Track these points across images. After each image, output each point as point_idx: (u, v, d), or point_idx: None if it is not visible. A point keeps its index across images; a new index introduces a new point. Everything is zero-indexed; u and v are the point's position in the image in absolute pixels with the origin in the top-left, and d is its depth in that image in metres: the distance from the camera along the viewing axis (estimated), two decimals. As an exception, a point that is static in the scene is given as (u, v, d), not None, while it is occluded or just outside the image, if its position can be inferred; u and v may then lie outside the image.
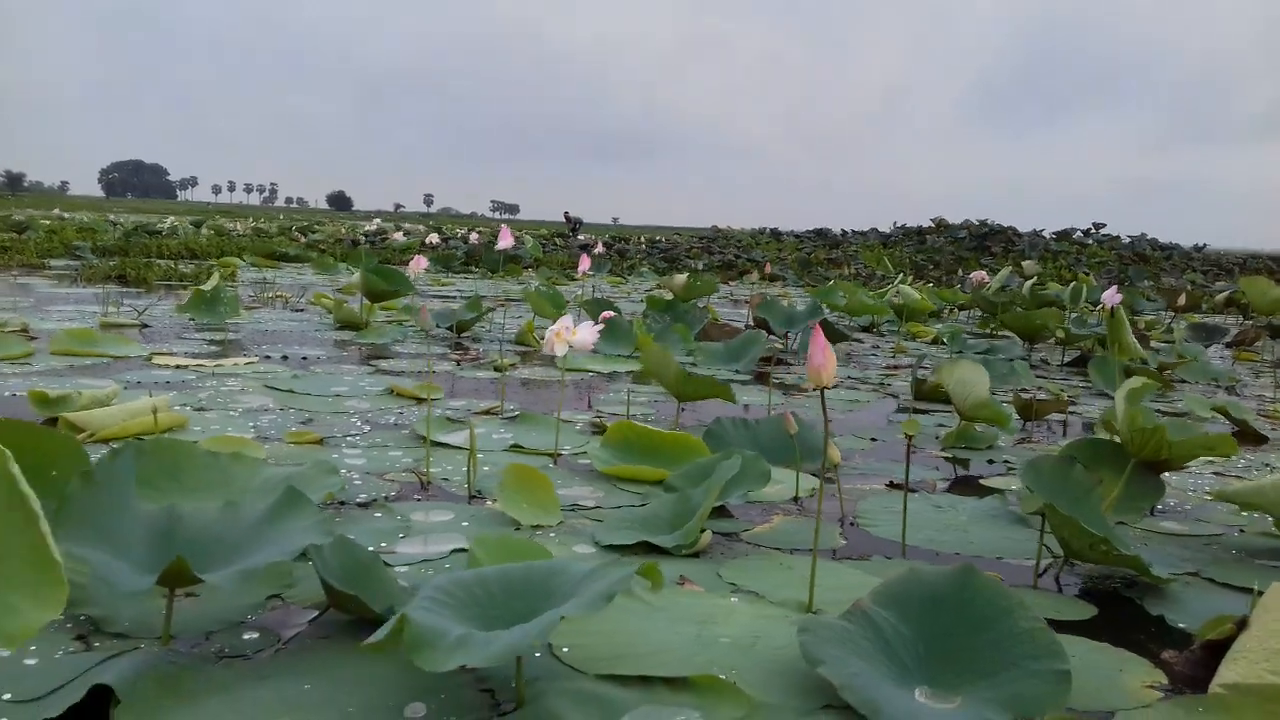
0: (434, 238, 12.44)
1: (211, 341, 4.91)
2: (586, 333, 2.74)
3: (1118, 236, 18.72)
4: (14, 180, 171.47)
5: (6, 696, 1.31)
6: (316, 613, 1.64)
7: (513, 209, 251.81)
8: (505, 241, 6.37)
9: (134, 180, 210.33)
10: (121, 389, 3.25)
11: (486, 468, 2.63)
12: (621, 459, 2.66)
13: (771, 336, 5.79)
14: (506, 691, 1.37)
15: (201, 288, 5.50)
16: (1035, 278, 9.67)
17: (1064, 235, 18.60)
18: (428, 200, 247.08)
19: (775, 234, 23.63)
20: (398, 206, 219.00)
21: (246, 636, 1.54)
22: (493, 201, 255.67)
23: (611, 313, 5.30)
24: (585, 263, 6.25)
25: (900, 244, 18.28)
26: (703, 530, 2.05)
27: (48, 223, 16.19)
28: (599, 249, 13.89)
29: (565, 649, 1.51)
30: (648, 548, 2.03)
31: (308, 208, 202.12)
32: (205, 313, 5.49)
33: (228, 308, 5.56)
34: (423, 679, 1.37)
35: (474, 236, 14.14)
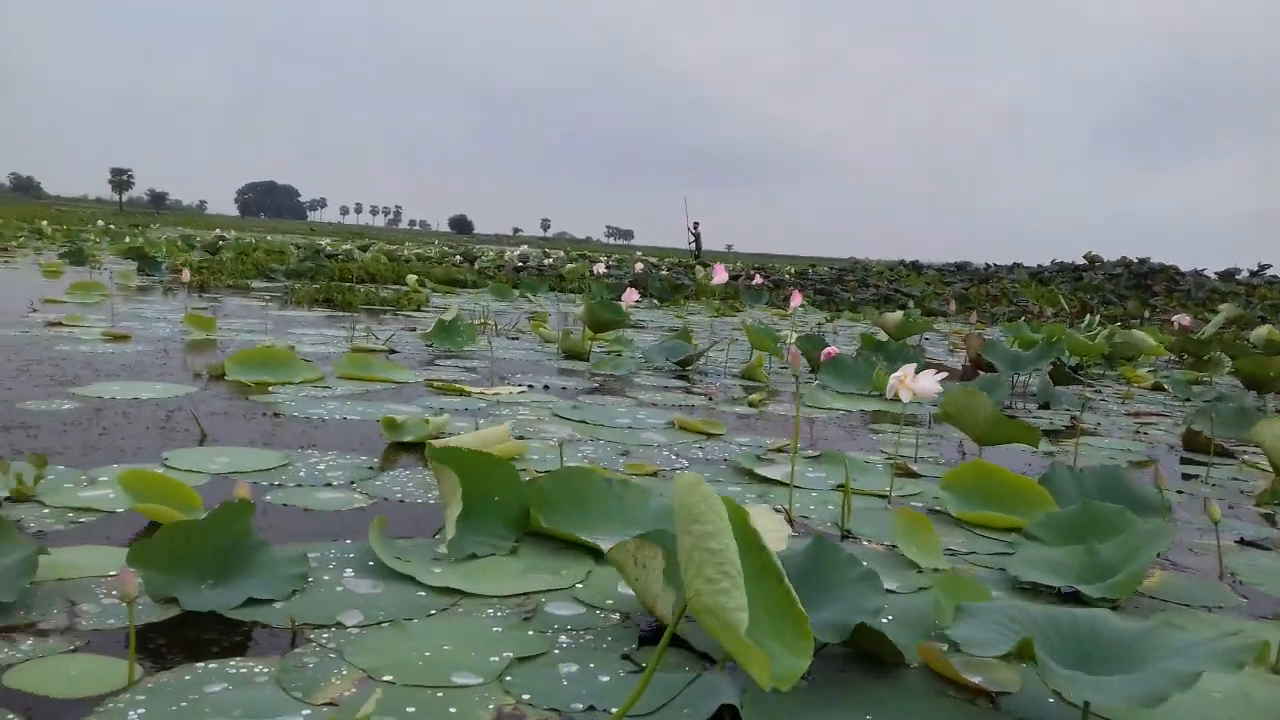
0: (600, 267, 12.74)
1: (464, 369, 5.15)
2: (927, 382, 2.83)
3: (1288, 278, 17.95)
4: (157, 199, 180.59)
5: (614, 710, 1.45)
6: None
7: (627, 234, 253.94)
8: (720, 276, 6.52)
9: (267, 201, 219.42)
10: (450, 416, 3.45)
11: (831, 507, 2.74)
12: (969, 504, 2.73)
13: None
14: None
15: (442, 317, 5.78)
16: (1237, 321, 9.37)
17: (1228, 275, 17.94)
18: (544, 225, 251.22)
19: (915, 266, 23.32)
20: (516, 230, 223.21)
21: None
22: (608, 227, 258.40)
23: (835, 349, 5.37)
24: (796, 299, 6.35)
25: (1054, 280, 17.86)
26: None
27: (195, 239, 17.05)
28: (722, 275, 13.97)
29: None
30: (1065, 594, 2.10)
31: (430, 230, 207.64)
32: (445, 340, 5.76)
33: (464, 336, 5.83)
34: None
35: (600, 268, 14.33)
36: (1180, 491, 3.34)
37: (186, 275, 7.23)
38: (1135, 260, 18.04)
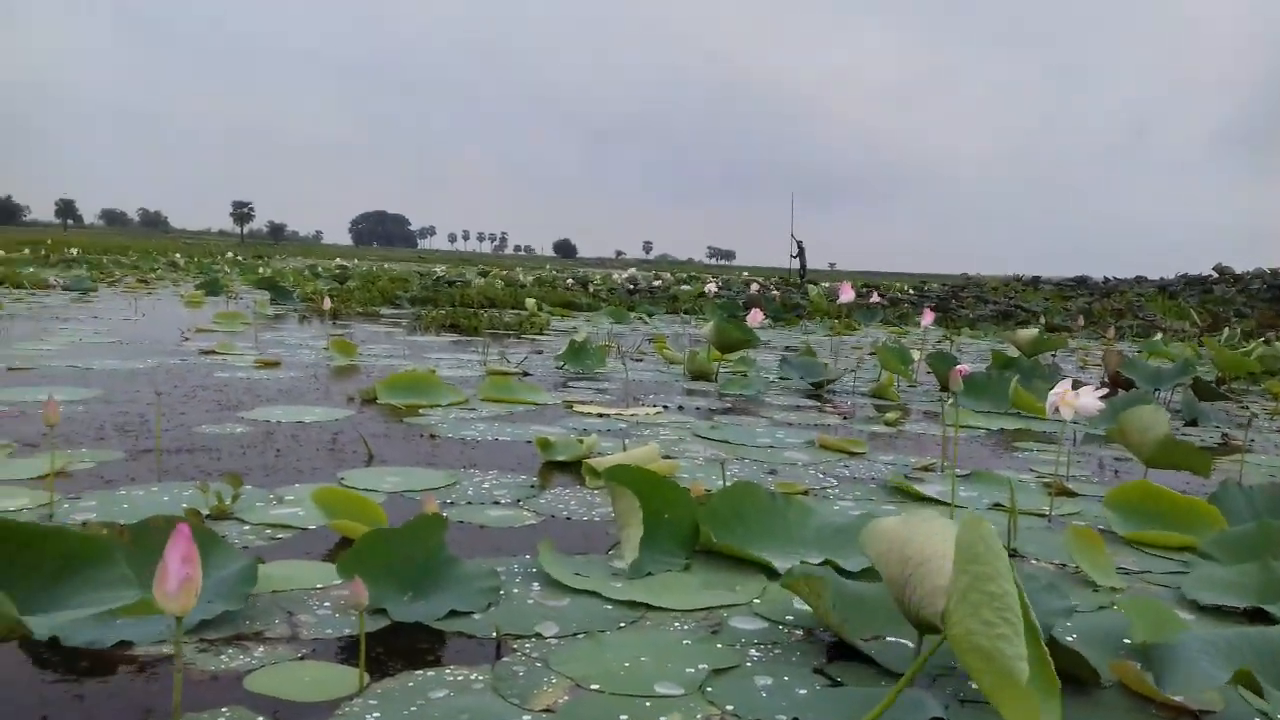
0: (712, 287, 12.81)
1: (597, 390, 5.25)
2: (1088, 399, 2.79)
3: None
4: (276, 230, 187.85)
5: (818, 723, 1.48)
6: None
7: (729, 255, 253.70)
8: (847, 295, 6.51)
9: (379, 229, 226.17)
10: (597, 436, 3.54)
11: (992, 526, 2.72)
12: (1135, 523, 2.68)
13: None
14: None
15: (575, 339, 5.90)
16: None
17: (1372, 286, 17.02)
18: (646, 247, 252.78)
19: (1033, 281, 22.74)
20: (618, 253, 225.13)
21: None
22: (709, 247, 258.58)
23: (966, 367, 5.30)
24: (928, 317, 6.29)
25: (1182, 293, 17.23)
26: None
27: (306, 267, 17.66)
28: (849, 294, 13.85)
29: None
30: (1248, 614, 2.05)
31: (534, 255, 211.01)
32: (576, 362, 5.88)
33: (594, 358, 5.94)
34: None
35: (712, 288, 14.36)
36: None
37: (328, 304, 7.54)
38: (1268, 271, 17.27)
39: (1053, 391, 2.82)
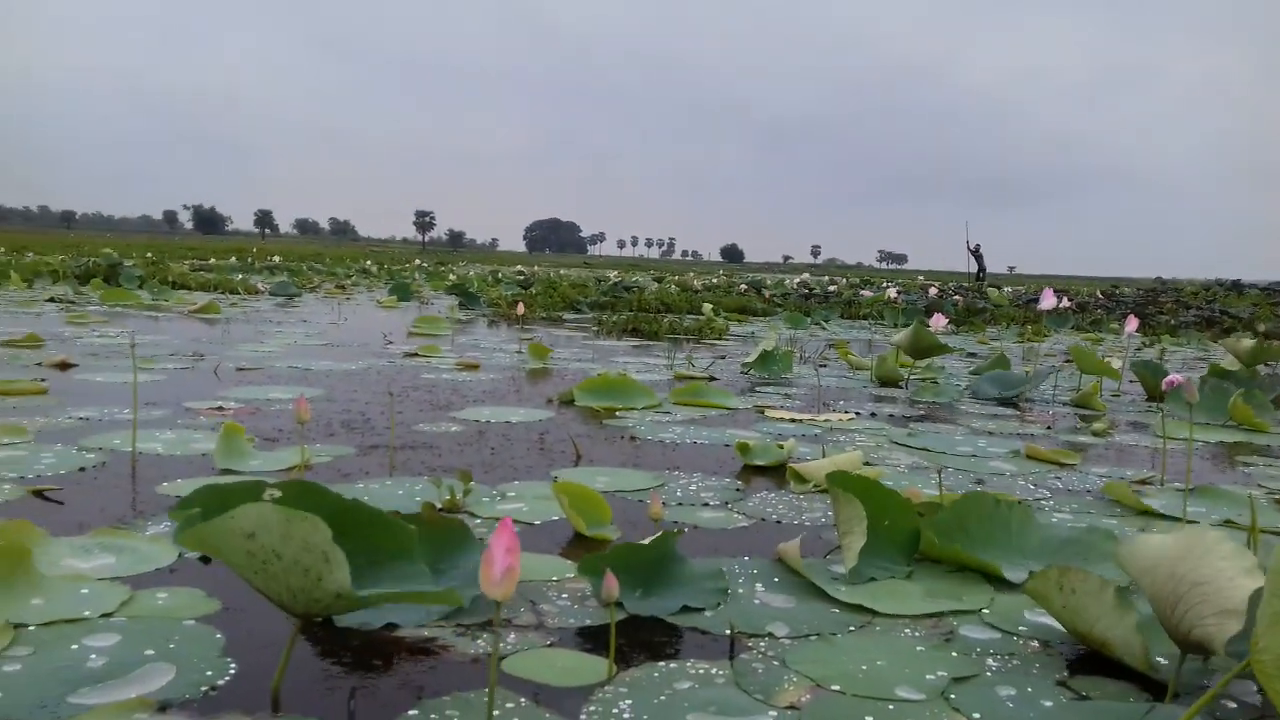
0: (892, 292, 12.58)
1: (785, 395, 5.25)
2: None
3: None
4: (455, 238, 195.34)
5: (1069, 735, 1.46)
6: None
7: (900, 259, 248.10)
8: (1048, 301, 6.29)
9: (551, 237, 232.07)
10: (795, 441, 3.55)
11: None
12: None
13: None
14: None
15: (764, 346, 5.92)
16: None
17: None
18: (814, 251, 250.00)
19: (1236, 286, 21.31)
20: (786, 258, 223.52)
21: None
22: (880, 251, 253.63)
23: (1180, 377, 5.03)
24: (1132, 323, 6.01)
25: None
26: None
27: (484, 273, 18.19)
28: (1050, 300, 13.28)
29: None
30: None
31: (701, 260, 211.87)
32: (763, 367, 5.90)
33: (781, 363, 5.95)
34: None
35: (892, 292, 14.05)
36: None
37: (520, 309, 7.81)
38: None
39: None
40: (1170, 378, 5.02)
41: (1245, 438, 4.50)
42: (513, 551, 1.17)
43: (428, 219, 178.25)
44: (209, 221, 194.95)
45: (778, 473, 3.25)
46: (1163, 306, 14.89)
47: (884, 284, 20.72)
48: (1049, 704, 1.57)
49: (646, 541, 2.00)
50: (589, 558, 1.97)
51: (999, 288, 19.43)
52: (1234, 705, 1.59)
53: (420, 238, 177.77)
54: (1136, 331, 11.62)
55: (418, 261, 33.67)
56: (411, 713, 1.46)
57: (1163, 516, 2.86)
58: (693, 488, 2.97)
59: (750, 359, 6.01)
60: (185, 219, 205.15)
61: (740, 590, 2.05)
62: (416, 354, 6.42)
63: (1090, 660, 1.75)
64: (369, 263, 27.55)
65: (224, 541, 1.43)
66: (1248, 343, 6.07)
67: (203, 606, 1.84)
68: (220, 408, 4.03)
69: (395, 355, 6.36)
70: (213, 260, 23.72)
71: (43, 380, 4.44)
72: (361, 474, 2.97)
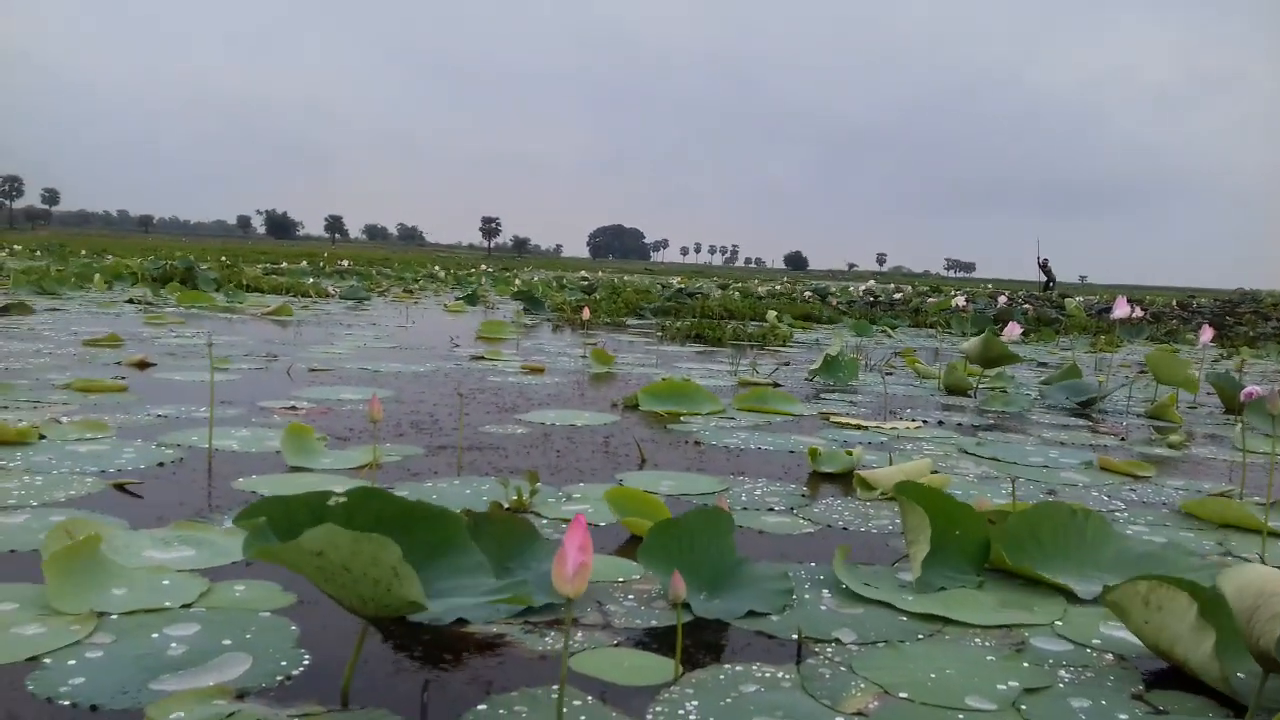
0: (960, 300, 12.41)
1: (850, 402, 5.21)
2: None
3: None
4: (520, 244, 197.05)
5: (1146, 750, 1.43)
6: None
7: (968, 267, 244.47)
8: (1122, 310, 6.16)
9: (615, 243, 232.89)
10: (862, 449, 3.52)
11: (1308, 559, 2.51)
12: None
13: None
14: None
15: (829, 353, 5.88)
16: None
17: None
18: (880, 259, 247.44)
19: (1320, 297, 20.62)
20: (851, 266, 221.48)
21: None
22: (947, 259, 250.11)
23: (1259, 388, 4.88)
24: (1208, 334, 5.87)
25: None
26: None
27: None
28: (1124, 309, 12.98)
29: None
30: None
31: (765, 267, 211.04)
32: (829, 374, 5.86)
33: (847, 371, 5.90)
34: None
35: (960, 301, 13.84)
36: None
37: (586, 313, 7.86)
38: None
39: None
40: (1249, 389, 4.90)
41: (1330, 452, 4.35)
42: (585, 549, 1.18)
43: (493, 225, 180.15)
44: (281, 226, 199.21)
45: (844, 480, 3.23)
46: (1241, 317, 14.48)
47: (951, 291, 20.41)
48: (1124, 717, 1.54)
49: (690, 513, 2.02)
50: (647, 551, 1.97)
51: (1071, 296, 19.05)
52: (1319, 725, 1.54)
53: (486, 243, 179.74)
54: (1213, 343, 11.32)
55: (483, 267, 34.03)
56: (481, 707, 1.48)
57: (1237, 528, 2.78)
58: (758, 493, 2.96)
59: (815, 365, 5.97)
60: (258, 224, 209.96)
61: (807, 596, 2.04)
62: (483, 357, 6.49)
63: (1168, 675, 1.71)
64: (436, 268, 27.92)
65: (293, 559, 1.45)
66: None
67: (278, 599, 1.88)
68: (293, 407, 4.12)
69: (462, 358, 6.44)
70: (284, 264, 24.23)
71: (122, 379, 4.57)
72: (430, 473, 3.01)
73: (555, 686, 1.54)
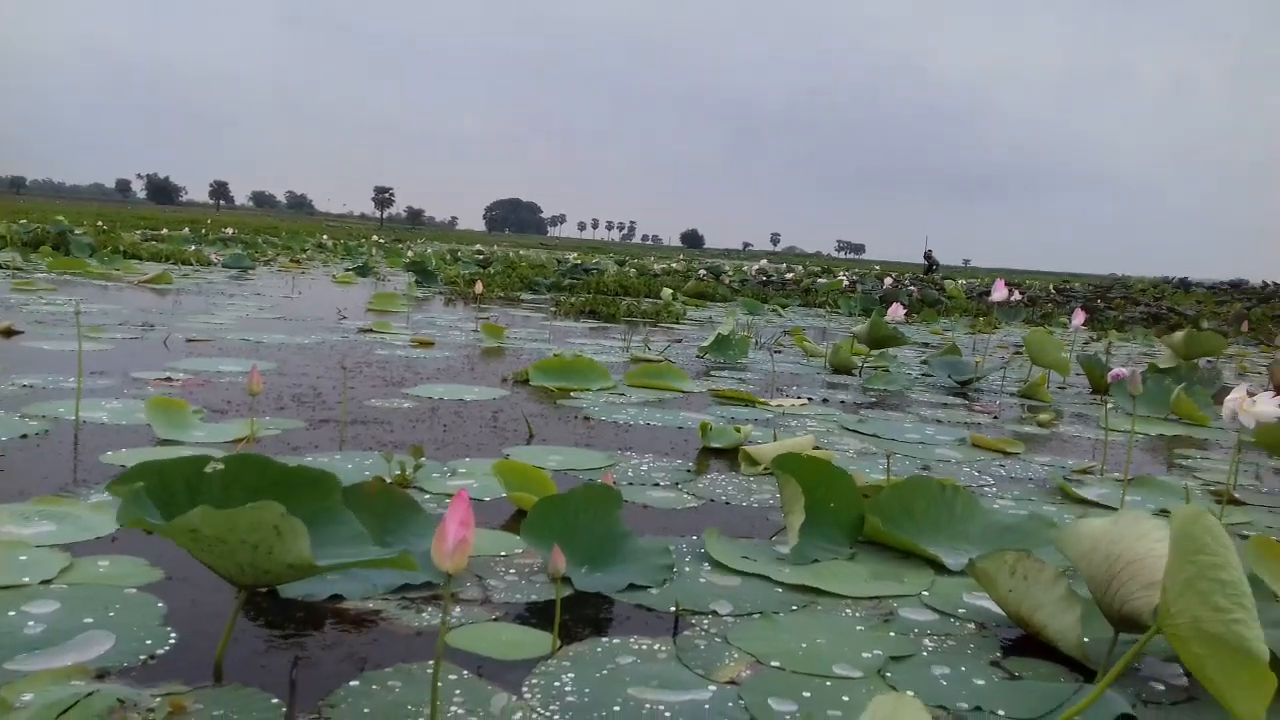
0: (847, 280, 12.66)
1: (740, 380, 5.29)
2: (1268, 406, 2.69)
3: None
4: (414, 215, 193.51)
5: (1000, 713, 1.50)
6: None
7: (858, 248, 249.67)
8: (1000, 294, 6.37)
9: (512, 217, 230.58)
10: (750, 425, 3.58)
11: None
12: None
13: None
14: None
15: (721, 331, 5.95)
16: None
17: None
18: (774, 239, 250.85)
19: (1183, 284, 21.74)
20: (746, 245, 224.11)
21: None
22: (839, 241, 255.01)
23: (1124, 369, 5.13)
24: (1080, 317, 6.12)
25: (1353, 301, 16.21)
26: None
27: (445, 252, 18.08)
28: (1002, 293, 13.45)
29: None
30: None
31: (662, 244, 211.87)
32: (719, 352, 5.93)
33: (737, 349, 5.98)
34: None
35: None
36: None
37: (479, 288, 7.78)
38: None
39: (1229, 397, 2.72)
40: (1116, 371, 5.14)
41: (1186, 431, 4.61)
42: (467, 525, 1.17)
43: (387, 195, 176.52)
44: (162, 191, 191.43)
45: (732, 455, 3.28)
46: (1112, 302, 15.16)
47: (841, 272, 20.86)
48: (981, 682, 1.61)
49: (577, 489, 2.04)
50: (530, 525, 1.98)
51: (953, 279, 19.66)
52: (1162, 687, 1.64)
53: (378, 214, 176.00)
54: (1084, 326, 11.82)
55: (375, 238, 33.33)
56: (353, 683, 1.46)
57: (1100, 506, 2.92)
58: (644, 468, 2.99)
59: (707, 343, 6.03)
60: (138, 188, 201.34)
61: (687, 569, 2.07)
62: (371, 330, 6.38)
63: (1025, 643, 1.79)
64: (325, 238, 27.23)
65: (170, 533, 1.41)
66: (1182, 336, 6.20)
67: (145, 575, 1.82)
68: (169, 378, 3.98)
69: (350, 331, 6.31)
70: (165, 231, 23.30)
71: (-15, 347, 4.35)
72: (311, 447, 2.95)
73: (431, 662, 1.54)
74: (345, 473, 2.65)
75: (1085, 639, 1.70)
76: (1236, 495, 3.18)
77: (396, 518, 1.98)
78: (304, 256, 18.12)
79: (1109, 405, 4.65)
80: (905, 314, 6.90)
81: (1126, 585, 1.54)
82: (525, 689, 1.48)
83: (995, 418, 4.63)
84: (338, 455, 2.85)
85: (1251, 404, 2.69)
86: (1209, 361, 7.70)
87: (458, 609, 1.77)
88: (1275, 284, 21.28)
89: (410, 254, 20.44)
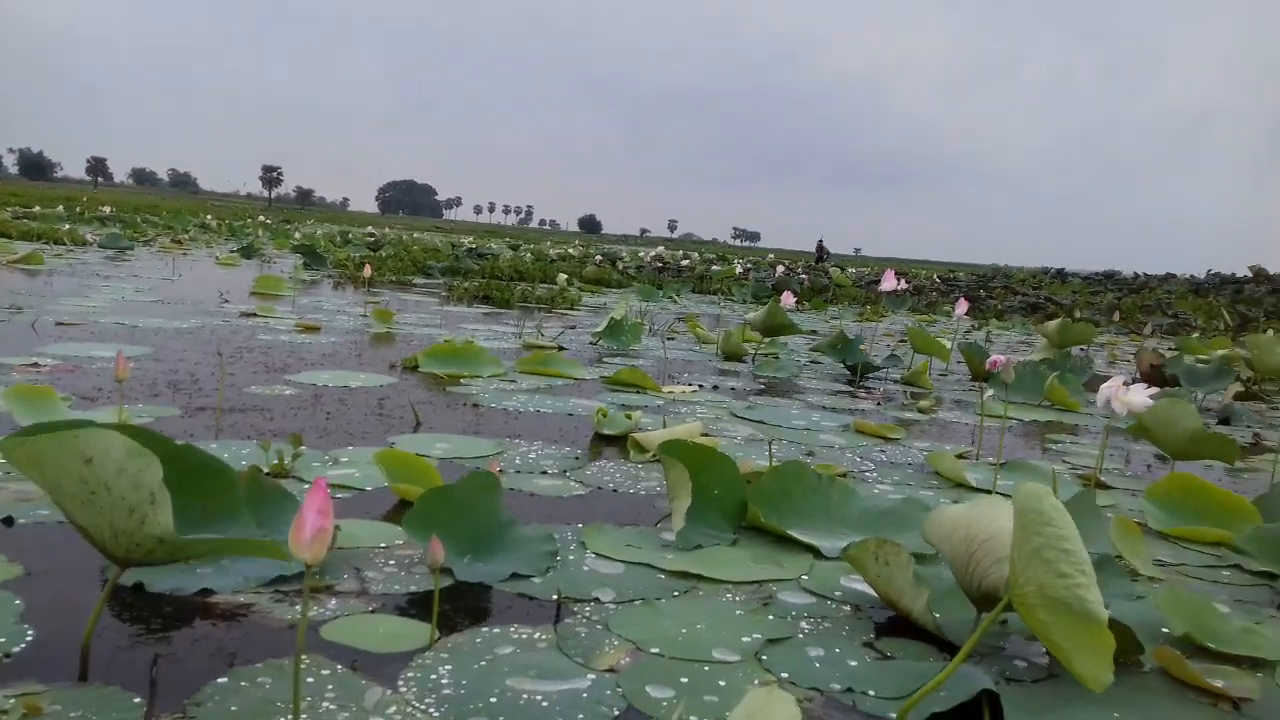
0: (741, 268, 12.81)
1: (631, 367, 5.30)
2: (1139, 395, 2.83)
3: None
4: (304, 196, 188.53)
5: (871, 693, 1.54)
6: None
7: (754, 236, 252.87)
8: (888, 283, 6.52)
9: (405, 199, 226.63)
10: (640, 413, 3.59)
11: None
12: (1173, 518, 2.72)
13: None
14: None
15: (613, 316, 5.95)
16: None
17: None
18: (671, 225, 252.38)
19: (1060, 274, 22.65)
20: (643, 231, 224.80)
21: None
22: (734, 228, 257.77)
23: (1003, 358, 5.32)
24: (963, 306, 6.30)
25: (1214, 293, 17.11)
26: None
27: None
28: (891, 282, 13.80)
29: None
30: (1286, 612, 2.09)
31: (559, 230, 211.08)
32: (612, 339, 5.94)
33: (630, 335, 6.00)
34: None
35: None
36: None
37: (368, 271, 7.62)
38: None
39: (1104, 386, 2.84)
40: (993, 358, 5.30)
41: (1058, 417, 4.80)
42: (325, 513, 1.15)
43: (275, 174, 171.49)
44: (35, 167, 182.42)
45: (622, 442, 3.29)
46: (993, 292, 15.70)
47: (736, 260, 21.09)
48: (854, 663, 1.65)
49: (459, 481, 2.02)
50: (413, 518, 1.95)
51: (842, 268, 20.08)
52: (1024, 665, 1.70)
53: (267, 194, 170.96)
54: (967, 315, 12.20)
55: (262, 218, 32.38)
56: (221, 680, 1.42)
57: (975, 489, 3.02)
58: (532, 456, 2.98)
59: (599, 330, 6.04)
60: (10, 163, 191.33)
61: (571, 557, 2.07)
62: (254, 314, 6.20)
63: (898, 624, 1.84)
64: (210, 218, 26.34)
65: (58, 462, 1.36)
66: (1056, 325, 6.46)
67: (2, 572, 1.74)
68: (35, 364, 3.80)
69: (231, 315, 6.12)
70: (38, 209, 22.20)
71: None
72: (185, 436, 2.85)
73: (306, 657, 1.51)
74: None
75: (945, 618, 1.76)
76: (1103, 479, 3.33)
77: (269, 508, 1.93)
78: (186, 237, 17.50)
79: (988, 393, 4.80)
80: (796, 302, 7.01)
81: (981, 563, 1.60)
82: (401, 682, 1.46)
83: (879, 404, 4.75)
84: (213, 444, 2.77)
85: (1125, 393, 2.81)
86: (1082, 349, 8.03)
87: (333, 602, 1.73)
88: (1146, 275, 22.30)
89: (299, 236, 19.91)
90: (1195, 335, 10.33)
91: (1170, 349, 8.82)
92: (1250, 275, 17.78)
